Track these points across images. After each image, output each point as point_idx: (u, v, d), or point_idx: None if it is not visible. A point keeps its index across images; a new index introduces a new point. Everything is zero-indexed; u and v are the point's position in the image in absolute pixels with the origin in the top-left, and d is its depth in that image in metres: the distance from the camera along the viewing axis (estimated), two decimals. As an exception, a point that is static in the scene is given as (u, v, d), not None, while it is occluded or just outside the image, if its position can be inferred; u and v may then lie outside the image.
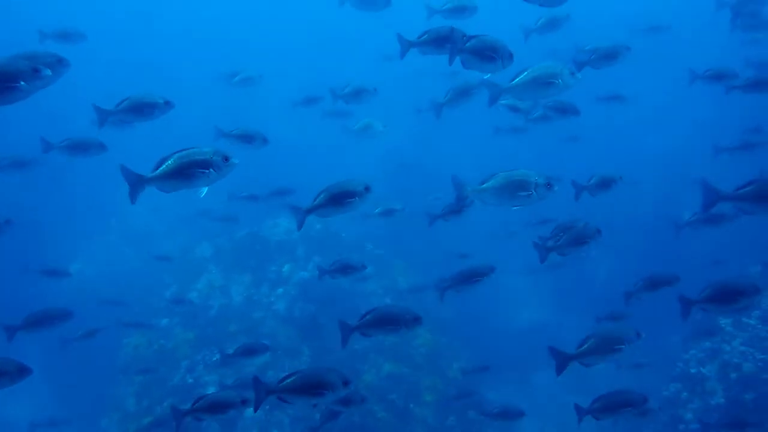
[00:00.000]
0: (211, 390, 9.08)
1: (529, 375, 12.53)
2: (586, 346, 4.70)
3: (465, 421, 10.28)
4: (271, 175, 15.78)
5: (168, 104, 5.11)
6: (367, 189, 4.75)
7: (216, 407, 4.93)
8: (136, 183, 4.04)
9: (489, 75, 4.86)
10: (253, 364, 9.31)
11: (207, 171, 4.04)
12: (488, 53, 4.67)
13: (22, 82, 3.76)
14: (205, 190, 4.18)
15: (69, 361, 11.10)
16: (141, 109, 5.01)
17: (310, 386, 4.27)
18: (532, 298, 14.75)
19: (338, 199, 4.68)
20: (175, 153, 4.06)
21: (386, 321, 4.76)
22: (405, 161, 16.40)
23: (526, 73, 4.82)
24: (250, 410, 8.66)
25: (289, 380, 4.28)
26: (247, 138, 6.93)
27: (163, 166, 4.03)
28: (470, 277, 5.93)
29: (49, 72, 3.87)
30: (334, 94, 8.06)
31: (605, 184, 6.23)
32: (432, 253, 13.55)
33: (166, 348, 10.03)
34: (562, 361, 4.70)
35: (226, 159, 4.10)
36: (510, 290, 13.99)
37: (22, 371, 4.35)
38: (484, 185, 4.62)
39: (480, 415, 9.41)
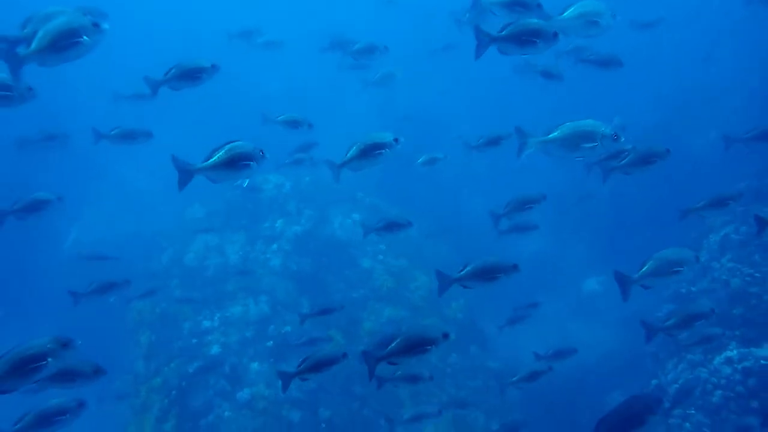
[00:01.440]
0: (215, 349, 9.29)
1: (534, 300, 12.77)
2: (646, 267, 4.77)
3: (467, 357, 10.51)
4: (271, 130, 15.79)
5: (214, 67, 5.14)
6: (396, 140, 4.90)
7: (321, 365, 5.14)
8: (186, 172, 4.35)
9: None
10: (255, 319, 9.50)
11: (250, 163, 4.38)
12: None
13: (85, 37, 3.96)
14: (246, 180, 4.44)
15: (80, 323, 11.40)
16: (190, 75, 5.09)
17: (415, 345, 4.28)
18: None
19: (369, 151, 4.87)
20: (223, 145, 4.37)
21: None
22: (408, 113, 16.17)
23: (573, 8, 4.77)
24: (254, 364, 8.98)
25: (393, 345, 4.27)
26: (294, 123, 7.30)
27: (214, 158, 4.34)
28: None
29: (107, 26, 4.08)
30: (344, 51, 8.01)
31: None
32: (426, 199, 13.64)
33: (168, 312, 10.19)
34: (625, 285, 4.78)
35: (263, 153, 4.45)
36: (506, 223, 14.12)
37: (97, 372, 4.58)
38: (550, 136, 4.55)
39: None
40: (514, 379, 6.84)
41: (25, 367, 3.74)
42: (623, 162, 5.02)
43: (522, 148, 4.71)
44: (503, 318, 8.89)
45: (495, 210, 6.62)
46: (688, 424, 6.81)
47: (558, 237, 13.84)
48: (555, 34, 4.54)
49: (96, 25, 4.02)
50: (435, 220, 13.62)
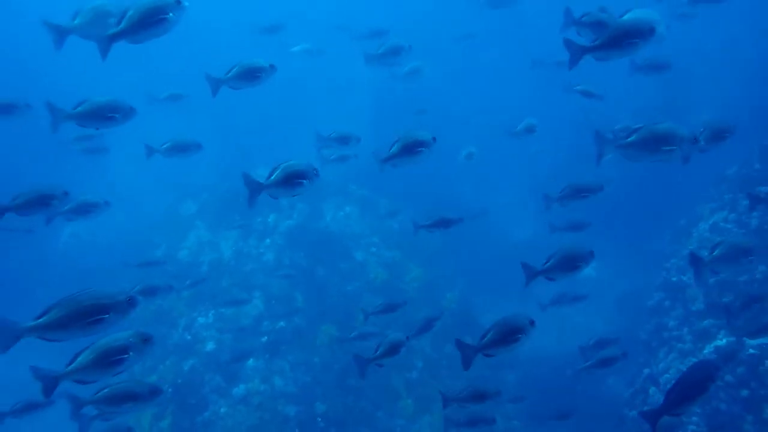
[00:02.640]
0: (210, 345, 9.32)
1: (527, 290, 12.84)
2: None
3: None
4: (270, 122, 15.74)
5: (272, 67, 5.35)
6: (434, 139, 5.12)
7: (393, 350, 5.45)
8: (255, 189, 4.74)
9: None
10: (248, 315, 9.53)
11: (304, 182, 4.72)
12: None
13: (171, 14, 4.31)
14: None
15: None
16: (250, 74, 5.31)
17: (508, 335, 4.28)
18: (523, 216, 14.80)
19: (411, 148, 5.10)
20: (281, 165, 4.72)
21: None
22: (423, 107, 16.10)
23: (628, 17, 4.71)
24: (251, 360, 9.02)
25: (488, 336, 4.26)
26: (344, 140, 7.84)
27: (274, 176, 4.71)
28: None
29: (187, 3, 4.39)
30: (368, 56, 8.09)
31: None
32: (416, 189, 13.65)
33: (163, 308, 10.19)
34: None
35: (317, 172, 4.80)
36: (501, 209, 14.18)
37: (153, 392, 4.57)
38: (630, 139, 4.49)
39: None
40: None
41: (108, 359, 3.79)
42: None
43: (601, 153, 4.70)
44: (499, 309, 8.88)
45: (549, 193, 6.45)
46: (678, 413, 6.86)
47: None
48: (652, 30, 4.48)
49: (178, 2, 4.33)
50: (428, 210, 13.64)
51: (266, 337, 9.35)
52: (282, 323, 9.49)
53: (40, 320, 3.62)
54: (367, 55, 8.03)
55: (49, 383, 3.78)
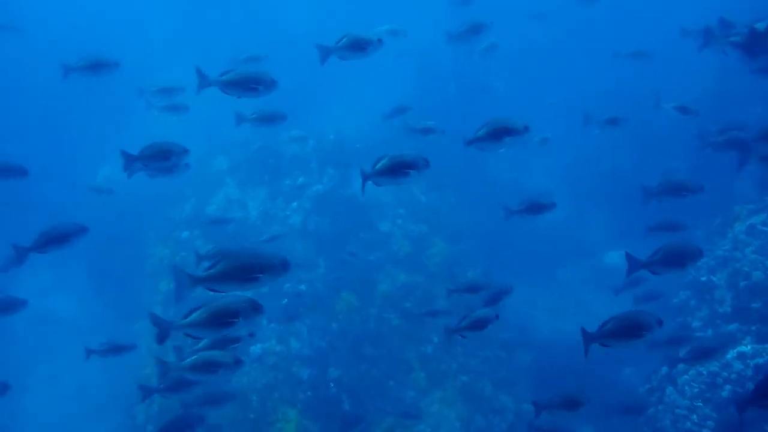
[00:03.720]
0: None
1: (552, 271, 12.74)
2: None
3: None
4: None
5: (380, 42, 5.59)
6: (526, 128, 5.09)
7: (478, 325, 5.59)
8: (365, 177, 4.89)
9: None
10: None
11: (411, 171, 4.81)
12: None
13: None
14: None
15: (108, 263, 11.71)
16: (357, 46, 5.54)
17: (631, 330, 4.31)
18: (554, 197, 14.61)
19: (498, 134, 5.08)
20: (388, 154, 4.84)
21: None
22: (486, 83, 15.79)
23: None
24: (267, 320, 9.13)
25: (608, 326, 4.34)
26: (427, 131, 8.30)
27: (378, 165, 4.84)
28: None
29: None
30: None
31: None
32: (450, 167, 13.50)
33: (188, 261, 10.33)
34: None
35: (427, 162, 4.86)
36: (531, 191, 13.99)
37: (237, 362, 4.75)
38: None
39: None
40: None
41: (220, 320, 4.03)
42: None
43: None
44: (521, 289, 8.71)
45: (648, 186, 6.35)
46: (695, 416, 6.80)
47: (581, 206, 13.66)
48: None
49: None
50: (460, 187, 13.52)
51: (286, 299, 9.45)
52: (303, 287, 9.57)
53: (210, 271, 3.98)
54: (448, 34, 8.30)
55: (164, 331, 4.11)
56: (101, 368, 11.00)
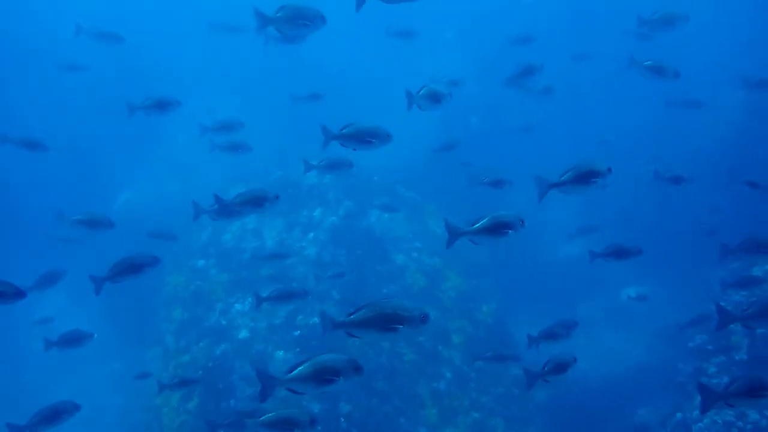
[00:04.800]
0: (243, 333, 9.49)
1: (572, 307, 12.59)
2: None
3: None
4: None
5: (451, 96, 6.02)
6: (609, 170, 5.15)
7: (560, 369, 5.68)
8: (454, 235, 5.12)
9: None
10: (284, 307, 9.64)
11: (509, 231, 5.02)
12: None
13: (309, 23, 5.21)
14: None
15: (124, 289, 11.78)
16: (436, 98, 5.94)
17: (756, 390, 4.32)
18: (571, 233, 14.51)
19: (584, 177, 5.17)
20: (491, 215, 5.07)
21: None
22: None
23: None
24: (280, 352, 9.12)
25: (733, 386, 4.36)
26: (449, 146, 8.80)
27: (478, 225, 5.05)
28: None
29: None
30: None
31: None
32: (465, 197, 13.49)
33: (202, 289, 10.44)
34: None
35: (522, 222, 5.02)
36: (545, 225, 13.89)
37: (313, 422, 4.82)
38: None
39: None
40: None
41: (322, 376, 4.16)
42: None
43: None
44: (537, 326, 8.65)
45: (727, 244, 6.44)
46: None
47: (599, 241, 13.52)
48: None
49: (322, 16, 5.42)
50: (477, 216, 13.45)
51: (299, 332, 9.45)
52: (315, 319, 9.57)
53: (352, 317, 4.16)
54: (507, 78, 9.03)
55: (268, 387, 4.33)
56: (113, 391, 11.10)
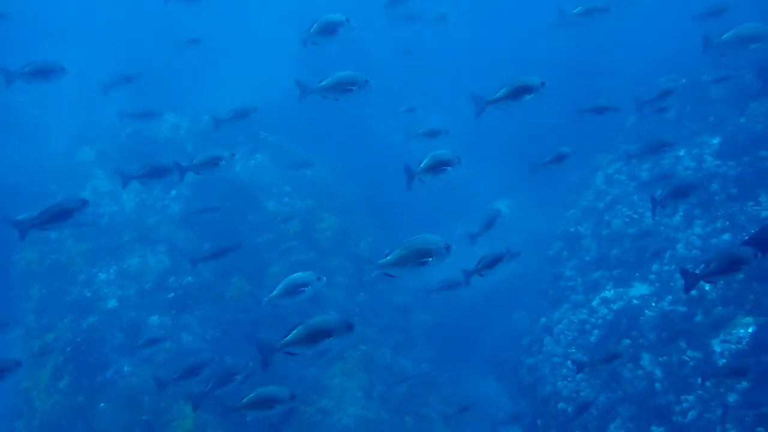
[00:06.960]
0: (111, 303, 8.99)
1: (449, 227, 13.05)
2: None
3: (375, 295, 10.67)
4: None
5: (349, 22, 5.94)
6: (543, 84, 5.14)
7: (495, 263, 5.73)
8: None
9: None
10: (153, 270, 9.23)
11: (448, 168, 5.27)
12: None
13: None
14: None
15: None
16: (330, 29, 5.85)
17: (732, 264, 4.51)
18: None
19: (518, 92, 5.13)
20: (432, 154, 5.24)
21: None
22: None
23: None
24: (154, 317, 8.78)
25: (712, 265, 4.53)
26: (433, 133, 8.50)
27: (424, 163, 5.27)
28: None
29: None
30: None
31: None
32: (333, 136, 13.40)
33: (60, 262, 9.67)
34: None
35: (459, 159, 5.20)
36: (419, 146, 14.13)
37: (293, 397, 4.88)
38: None
39: None
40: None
41: (314, 338, 4.32)
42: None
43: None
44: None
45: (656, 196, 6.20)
46: (569, 362, 7.29)
47: (472, 162, 14.01)
48: None
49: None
50: (345, 157, 13.42)
51: (173, 294, 9.10)
52: (189, 279, 9.24)
53: (388, 258, 4.36)
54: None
55: (268, 356, 4.35)
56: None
